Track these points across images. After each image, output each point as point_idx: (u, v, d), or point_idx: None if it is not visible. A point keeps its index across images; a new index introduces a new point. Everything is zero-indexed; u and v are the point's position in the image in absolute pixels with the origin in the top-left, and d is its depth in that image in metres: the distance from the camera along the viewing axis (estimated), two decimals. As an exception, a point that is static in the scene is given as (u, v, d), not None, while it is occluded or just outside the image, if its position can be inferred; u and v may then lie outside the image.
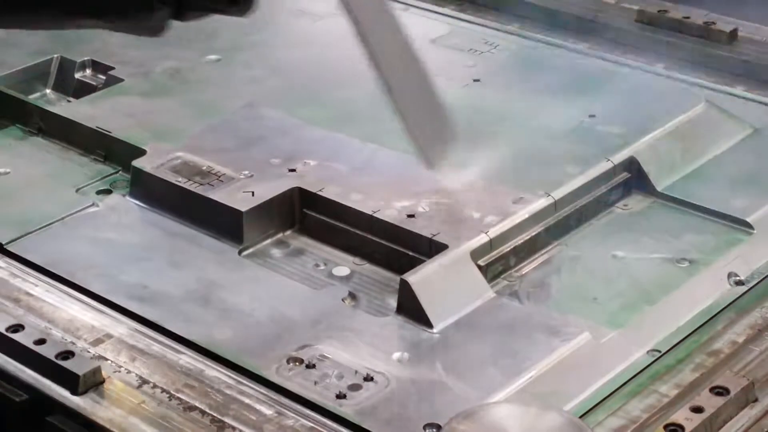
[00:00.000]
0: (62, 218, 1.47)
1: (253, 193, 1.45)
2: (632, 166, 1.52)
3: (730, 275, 1.37)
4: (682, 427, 1.15)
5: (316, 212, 1.45)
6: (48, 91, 1.78)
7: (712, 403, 1.17)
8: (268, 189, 1.46)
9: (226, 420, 1.19)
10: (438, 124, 1.46)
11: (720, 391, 1.19)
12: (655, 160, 1.53)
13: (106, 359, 1.26)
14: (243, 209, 1.43)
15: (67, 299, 1.35)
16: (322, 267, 1.41)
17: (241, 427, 1.18)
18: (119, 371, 1.25)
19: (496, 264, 1.38)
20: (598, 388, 1.22)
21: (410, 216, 1.41)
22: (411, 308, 1.31)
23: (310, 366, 1.24)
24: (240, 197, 1.45)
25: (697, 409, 1.17)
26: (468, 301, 1.33)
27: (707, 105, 1.62)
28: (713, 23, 1.80)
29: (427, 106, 1.46)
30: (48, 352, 1.23)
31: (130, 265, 1.40)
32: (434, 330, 1.30)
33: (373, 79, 1.72)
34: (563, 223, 1.45)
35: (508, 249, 1.39)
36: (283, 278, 1.39)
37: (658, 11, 1.84)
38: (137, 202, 1.51)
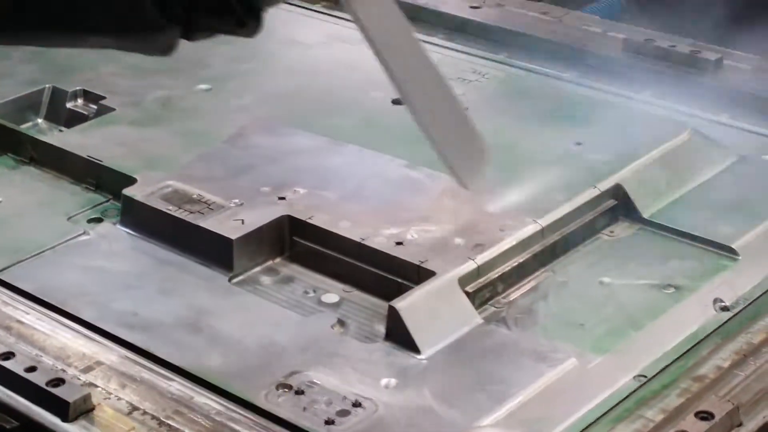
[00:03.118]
0: (53, 246, 1.48)
1: (243, 221, 1.46)
2: (619, 193, 1.53)
3: (715, 301, 1.38)
4: (668, 452, 1.16)
5: (306, 240, 1.47)
6: (40, 120, 1.79)
7: (697, 428, 1.18)
8: (258, 217, 1.47)
9: (216, 446, 1.20)
10: (469, 144, 1.44)
11: (705, 415, 1.20)
12: (641, 187, 1.54)
13: (97, 386, 1.27)
14: (233, 237, 1.44)
15: (57, 327, 1.36)
16: (312, 294, 1.42)
17: (230, 453, 1.19)
18: (109, 398, 1.25)
19: (484, 290, 1.39)
20: (585, 413, 1.23)
21: (398, 243, 1.42)
22: (399, 334, 1.32)
23: (299, 392, 1.25)
24: (230, 225, 1.46)
25: (683, 434, 1.18)
26: (456, 327, 1.34)
27: (692, 133, 1.63)
28: (699, 52, 1.82)
29: (456, 126, 1.43)
30: (39, 379, 1.24)
31: (121, 292, 1.41)
32: (422, 356, 1.30)
33: (362, 107, 1.75)
34: (550, 249, 1.46)
35: (496, 275, 1.40)
36: (273, 305, 1.40)
37: (645, 40, 1.86)
38: (128, 230, 1.52)
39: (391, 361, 1.30)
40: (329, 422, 1.21)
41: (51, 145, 1.67)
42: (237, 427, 1.22)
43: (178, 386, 1.27)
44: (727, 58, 1.82)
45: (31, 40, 1.24)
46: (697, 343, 1.32)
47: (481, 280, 1.39)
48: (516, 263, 1.42)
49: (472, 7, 2.01)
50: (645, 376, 1.27)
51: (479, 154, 1.44)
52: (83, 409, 1.22)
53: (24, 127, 1.75)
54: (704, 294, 1.39)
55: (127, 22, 1.13)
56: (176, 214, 1.48)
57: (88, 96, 1.79)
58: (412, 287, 1.36)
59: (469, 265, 1.38)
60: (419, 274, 1.38)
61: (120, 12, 1.13)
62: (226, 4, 1.14)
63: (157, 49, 1.19)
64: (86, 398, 1.23)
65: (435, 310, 1.34)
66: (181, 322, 1.36)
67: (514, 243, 1.43)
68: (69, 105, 1.79)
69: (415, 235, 1.43)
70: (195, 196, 1.52)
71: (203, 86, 1.82)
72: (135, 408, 1.24)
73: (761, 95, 1.74)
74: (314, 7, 2.06)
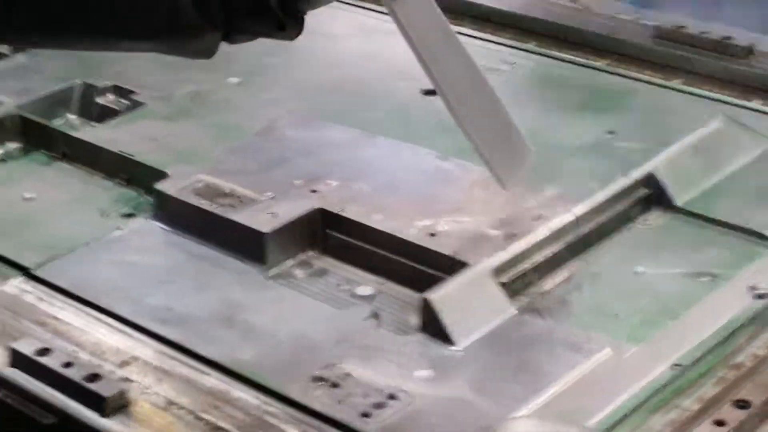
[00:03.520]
0: (87, 242, 1.49)
1: (275, 214, 1.47)
2: (652, 181, 1.53)
3: (751, 289, 1.37)
4: (705, 441, 1.16)
5: (339, 232, 1.47)
6: (71, 116, 1.80)
7: (734, 417, 1.18)
8: (291, 210, 1.47)
9: (252, 440, 1.20)
10: (510, 144, 1.42)
11: (742, 404, 1.19)
12: (674, 175, 1.54)
13: (133, 381, 1.27)
14: (266, 230, 1.44)
15: (93, 322, 1.36)
16: (345, 287, 1.42)
17: (267, 446, 1.20)
18: (146, 393, 1.26)
19: (517, 281, 1.39)
20: (621, 403, 1.22)
21: (431, 235, 1.42)
22: (433, 326, 1.32)
23: (335, 385, 1.25)
24: (262, 218, 1.46)
25: (720, 423, 1.17)
26: (490, 318, 1.34)
27: (725, 119, 1.63)
28: (730, 38, 1.81)
29: (496, 124, 1.41)
30: (75, 374, 1.25)
31: (155, 287, 1.41)
32: (457, 347, 1.30)
33: (393, 98, 1.75)
34: (584, 239, 1.45)
35: (529, 266, 1.40)
36: (307, 298, 1.40)
37: (675, 27, 1.85)
38: (161, 225, 1.52)
39: (425, 353, 1.30)
40: (365, 414, 1.21)
41: (83, 140, 1.68)
42: (273, 421, 1.22)
43: (213, 380, 1.28)
44: (758, 44, 1.81)
45: (71, 45, 1.24)
46: (734, 331, 1.31)
47: (514, 270, 1.39)
48: (550, 253, 1.42)
49: (500, -4, 2.01)
50: (681, 366, 1.27)
51: (521, 154, 1.43)
52: (120, 404, 1.23)
53: (56, 123, 1.76)
54: (739, 282, 1.39)
55: (166, 26, 1.13)
56: (208, 208, 1.49)
57: (119, 91, 1.80)
58: (446, 279, 1.36)
59: (503, 256, 1.38)
60: (452, 266, 1.38)
61: (158, 16, 1.13)
62: (266, 7, 1.14)
63: (197, 52, 1.19)
64: (123, 393, 1.23)
65: (469, 301, 1.34)
66: (215, 316, 1.36)
67: (547, 233, 1.42)
68: (100, 100, 1.79)
69: (448, 227, 1.43)
70: (227, 189, 1.52)
71: (234, 80, 1.82)
72: (171, 402, 1.25)
73: (793, 81, 1.73)
74: (343, -1, 2.06)
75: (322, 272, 1.45)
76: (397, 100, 1.74)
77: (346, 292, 1.41)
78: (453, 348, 1.30)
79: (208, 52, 1.19)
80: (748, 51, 1.79)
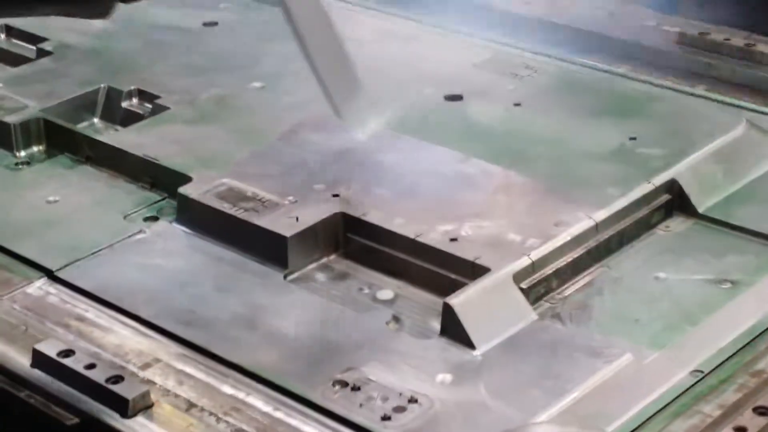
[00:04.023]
0: (110, 245, 1.50)
1: (297, 218, 1.47)
2: (674, 187, 1.53)
3: (772, 296, 1.37)
4: (725, 447, 1.16)
5: (360, 237, 1.47)
6: (96, 120, 1.81)
7: (755, 423, 1.18)
8: (312, 214, 1.48)
9: (273, 442, 1.21)
10: (347, 79, 1.54)
11: (763, 411, 1.19)
12: (696, 181, 1.54)
13: (155, 383, 1.28)
14: (288, 234, 1.45)
15: (116, 324, 1.37)
16: (366, 291, 1.43)
17: (287, 449, 1.20)
18: (168, 395, 1.26)
19: (539, 286, 1.39)
20: (641, 409, 1.22)
21: (453, 240, 1.42)
22: (454, 331, 1.32)
23: (355, 388, 1.26)
24: (284, 223, 1.47)
25: (741, 429, 1.17)
26: (510, 323, 1.34)
27: (748, 126, 1.62)
28: (754, 45, 1.81)
29: (338, 62, 1.54)
30: (98, 376, 1.26)
31: (177, 290, 1.42)
32: (477, 352, 1.31)
33: (415, 103, 1.75)
34: (605, 245, 1.46)
35: (550, 271, 1.40)
36: (328, 302, 1.40)
37: (699, 33, 1.85)
38: (184, 228, 1.53)
39: (446, 357, 1.30)
40: (385, 418, 1.22)
41: (107, 144, 1.69)
42: (293, 423, 1.23)
43: (235, 383, 1.28)
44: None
45: None
46: (755, 338, 1.31)
47: (535, 276, 1.39)
48: (571, 259, 1.42)
49: (524, 2, 2.01)
50: (702, 372, 1.27)
51: (357, 90, 1.54)
52: (142, 406, 1.24)
53: (80, 127, 1.77)
54: (761, 289, 1.39)
55: None
56: (231, 212, 1.49)
57: (143, 95, 1.81)
58: (467, 283, 1.36)
59: (524, 261, 1.38)
60: (474, 271, 1.38)
61: None
62: None
63: (96, 13, 1.24)
64: (145, 395, 1.24)
65: (490, 306, 1.34)
66: (237, 320, 1.37)
67: (568, 238, 1.42)
68: (124, 104, 1.81)
69: (470, 232, 1.44)
70: (249, 193, 1.53)
71: (257, 84, 1.83)
72: (193, 405, 1.25)
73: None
74: (366, 4, 2.07)
75: (343, 276, 1.45)
76: (420, 105, 1.75)
77: (367, 296, 1.42)
78: (473, 353, 1.31)
79: (106, 12, 1.23)
80: (772, 58, 1.79)
